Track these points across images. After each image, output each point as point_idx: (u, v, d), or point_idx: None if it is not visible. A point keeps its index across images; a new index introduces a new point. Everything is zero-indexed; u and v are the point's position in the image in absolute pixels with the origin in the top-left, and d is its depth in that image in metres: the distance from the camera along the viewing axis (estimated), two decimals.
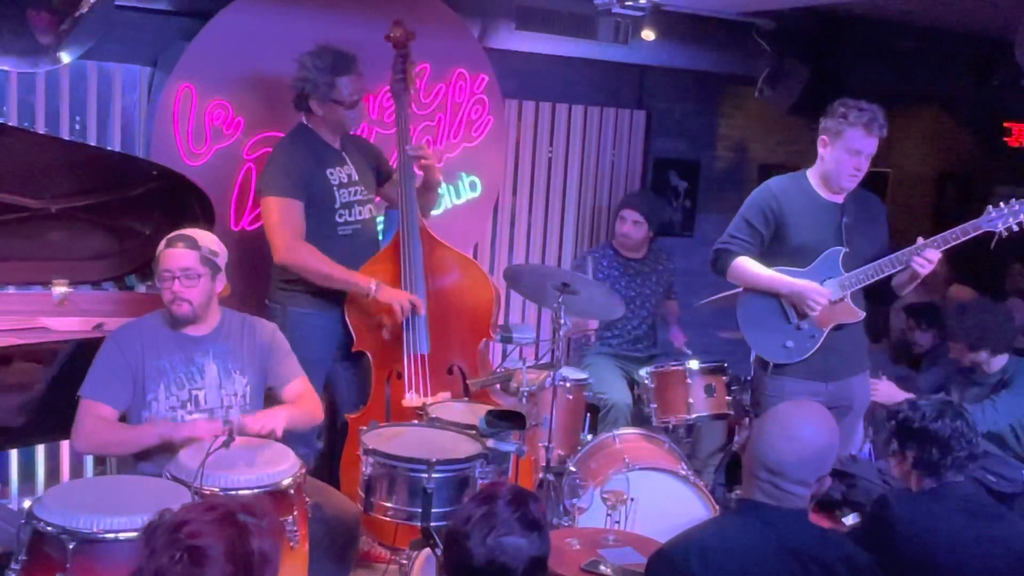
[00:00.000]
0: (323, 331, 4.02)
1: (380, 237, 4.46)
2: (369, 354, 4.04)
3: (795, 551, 2.30)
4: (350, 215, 4.06)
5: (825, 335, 3.82)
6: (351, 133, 4.20)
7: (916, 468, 2.85)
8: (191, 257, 3.16)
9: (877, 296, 3.92)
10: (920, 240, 3.70)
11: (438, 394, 3.83)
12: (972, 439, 2.82)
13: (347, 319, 4.01)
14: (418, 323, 3.94)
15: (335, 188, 4.01)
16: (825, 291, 3.77)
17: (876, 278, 3.75)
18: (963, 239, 3.65)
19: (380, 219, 4.54)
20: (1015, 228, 3.62)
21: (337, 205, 4.01)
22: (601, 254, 5.19)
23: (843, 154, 3.71)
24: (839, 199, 3.83)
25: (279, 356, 3.37)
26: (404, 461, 2.97)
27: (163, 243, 3.20)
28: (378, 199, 4.35)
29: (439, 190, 4.51)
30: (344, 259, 3.94)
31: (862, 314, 3.85)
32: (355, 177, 4.09)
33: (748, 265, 3.88)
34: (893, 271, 3.73)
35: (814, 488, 2.36)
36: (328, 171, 4.00)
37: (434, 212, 4.40)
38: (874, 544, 2.66)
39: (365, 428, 3.23)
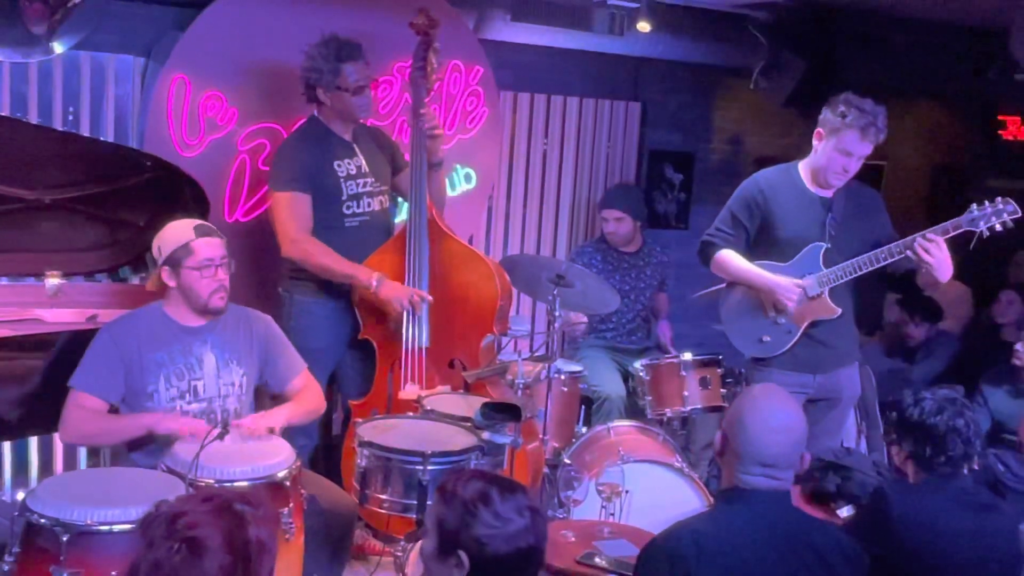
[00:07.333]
0: (329, 320, 4.03)
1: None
2: (374, 343, 4.04)
3: (787, 536, 2.33)
4: (358, 207, 4.06)
5: (802, 331, 3.83)
6: (363, 121, 4.16)
7: (910, 461, 2.87)
8: (224, 245, 3.18)
9: (894, 283, 3.89)
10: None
11: (436, 387, 3.83)
12: (970, 438, 2.80)
13: (355, 307, 4.01)
14: (420, 316, 3.92)
15: (342, 180, 4.00)
16: (795, 288, 3.75)
17: (854, 275, 3.73)
18: (943, 238, 3.58)
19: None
20: (998, 228, 3.54)
21: (344, 197, 4.00)
22: (594, 248, 5.18)
23: (834, 152, 3.69)
24: (828, 193, 3.82)
25: (279, 349, 3.37)
26: (399, 453, 2.97)
27: (191, 232, 3.14)
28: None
29: (445, 178, 4.45)
30: (352, 250, 3.94)
31: (839, 311, 3.82)
32: (365, 169, 4.08)
33: (729, 258, 3.89)
34: (872, 268, 3.69)
35: (797, 467, 2.42)
36: (336, 163, 4.00)
37: None
38: (872, 536, 2.68)
39: (360, 420, 3.23)
